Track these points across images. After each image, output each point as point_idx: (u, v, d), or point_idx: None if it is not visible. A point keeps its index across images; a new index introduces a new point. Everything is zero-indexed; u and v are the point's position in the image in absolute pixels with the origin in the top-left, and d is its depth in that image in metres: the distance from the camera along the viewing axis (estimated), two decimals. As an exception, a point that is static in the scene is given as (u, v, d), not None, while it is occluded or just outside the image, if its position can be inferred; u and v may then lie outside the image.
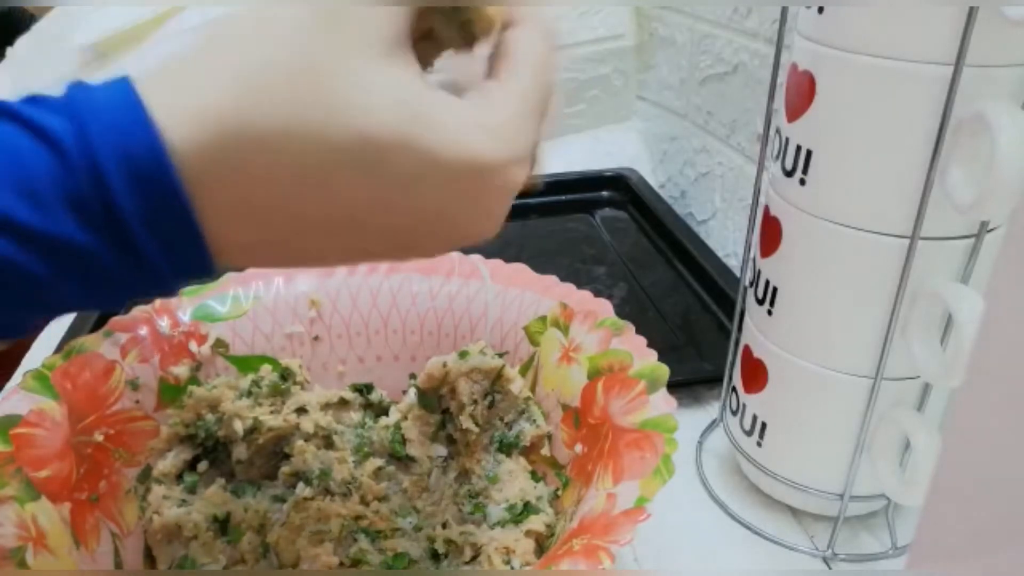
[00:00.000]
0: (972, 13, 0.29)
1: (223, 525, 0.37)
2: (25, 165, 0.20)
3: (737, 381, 0.44)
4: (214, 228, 0.21)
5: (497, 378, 0.40)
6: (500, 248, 0.67)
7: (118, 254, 0.21)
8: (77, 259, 0.21)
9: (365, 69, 0.21)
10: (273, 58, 0.21)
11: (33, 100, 0.21)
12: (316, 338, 0.44)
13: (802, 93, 0.35)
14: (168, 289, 0.23)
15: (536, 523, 0.36)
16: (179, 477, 0.39)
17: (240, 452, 0.39)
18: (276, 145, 0.21)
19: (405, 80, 0.22)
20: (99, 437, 0.36)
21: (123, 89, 0.21)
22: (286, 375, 0.42)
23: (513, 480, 0.39)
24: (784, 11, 0.38)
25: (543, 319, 0.42)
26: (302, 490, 0.38)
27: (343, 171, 0.21)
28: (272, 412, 0.40)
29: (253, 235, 0.22)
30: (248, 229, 0.22)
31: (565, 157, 0.85)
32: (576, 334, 0.40)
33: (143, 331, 0.40)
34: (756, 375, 0.41)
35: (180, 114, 0.20)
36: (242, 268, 0.24)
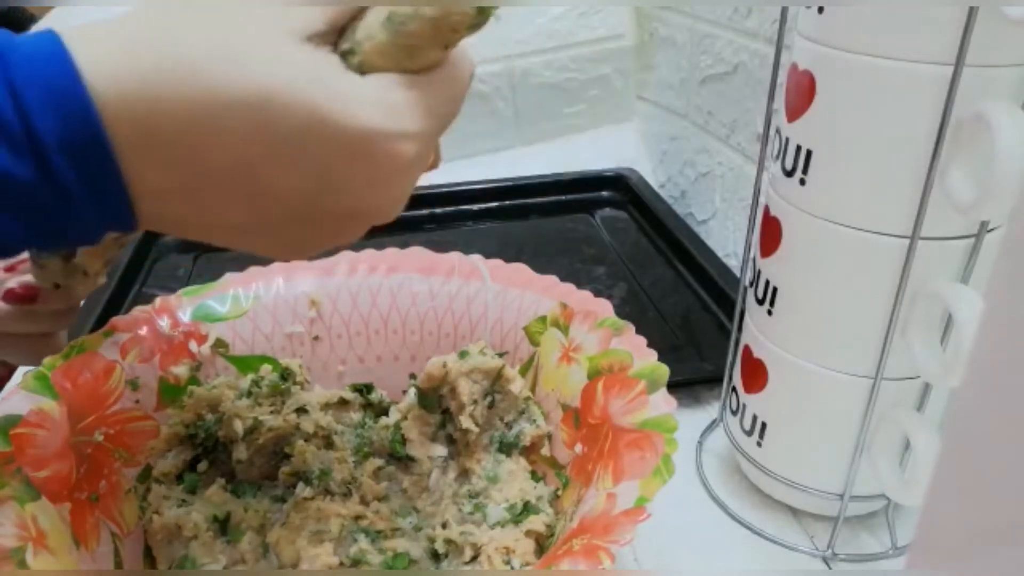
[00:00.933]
0: (972, 13, 0.29)
1: (223, 525, 0.37)
2: None
3: (737, 381, 0.44)
4: (126, 160, 0.23)
5: (497, 378, 0.40)
6: (500, 248, 0.67)
7: (40, 178, 0.22)
8: (5, 186, 0.22)
9: (274, 40, 0.24)
10: (193, 19, 0.24)
11: None
12: (316, 338, 0.44)
13: (802, 93, 0.35)
14: (91, 228, 0.24)
15: (536, 523, 0.36)
16: (179, 477, 0.39)
17: (240, 452, 0.39)
18: (182, 85, 0.23)
19: (310, 54, 0.24)
20: (99, 437, 0.36)
21: (45, 33, 0.23)
22: (286, 375, 0.42)
23: (513, 480, 0.39)
24: (784, 11, 0.38)
25: (543, 319, 0.42)
26: (302, 490, 0.38)
27: (237, 118, 0.23)
28: (272, 412, 0.40)
29: (162, 176, 0.24)
30: (156, 168, 0.23)
31: (565, 157, 0.85)
32: (576, 334, 0.40)
33: (143, 331, 0.40)
34: (756, 375, 0.41)
35: (98, 52, 0.22)
36: (164, 227, 0.26)
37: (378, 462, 0.40)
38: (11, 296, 0.37)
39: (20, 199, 0.22)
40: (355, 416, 0.43)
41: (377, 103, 0.25)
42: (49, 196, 0.22)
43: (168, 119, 0.23)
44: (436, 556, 0.37)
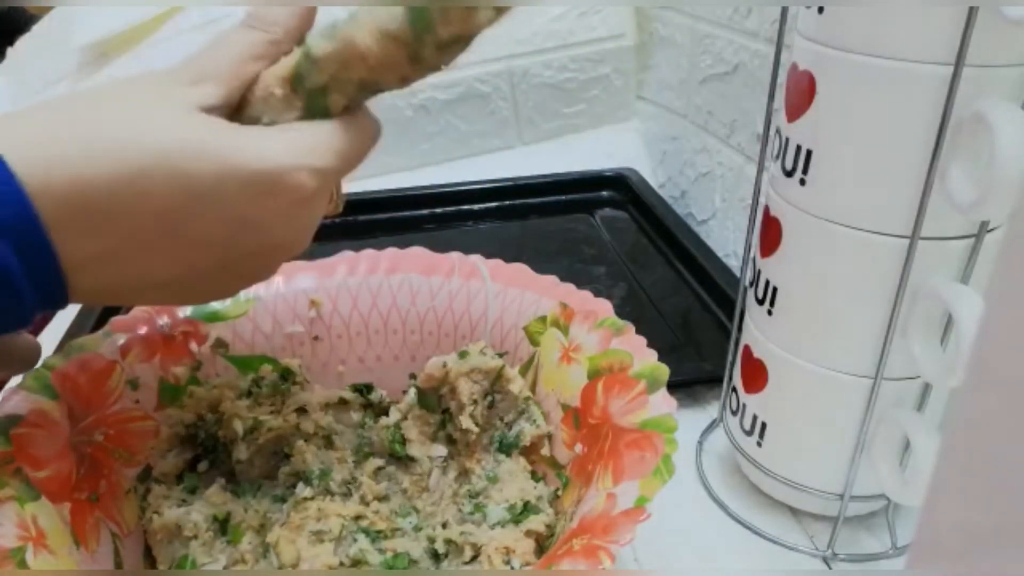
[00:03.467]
0: (972, 13, 0.29)
1: (223, 525, 0.37)
2: None
3: (737, 381, 0.44)
4: (57, 235, 0.25)
5: (497, 378, 0.40)
6: (500, 248, 0.67)
7: None
8: None
9: (174, 110, 0.26)
10: (102, 102, 0.26)
11: None
12: (316, 338, 0.44)
13: (802, 93, 0.35)
14: (27, 310, 0.26)
15: (536, 523, 0.36)
16: (179, 477, 0.39)
17: (240, 452, 0.39)
18: (99, 158, 0.25)
19: (207, 118, 0.27)
20: (99, 437, 0.36)
21: None
22: (286, 375, 0.42)
23: (513, 480, 0.39)
24: (784, 11, 0.38)
25: (543, 319, 0.42)
26: (302, 490, 0.38)
27: (152, 179, 0.25)
28: (272, 412, 0.40)
29: (91, 244, 0.26)
30: (85, 238, 0.25)
31: (565, 157, 0.85)
32: (576, 334, 0.40)
33: (143, 331, 0.40)
34: (756, 375, 0.41)
35: (18, 138, 0.25)
36: (96, 296, 0.28)
37: (378, 462, 0.40)
38: None
39: None
40: (355, 416, 0.43)
41: (278, 140, 0.27)
42: None
43: (91, 190, 0.25)
44: (436, 556, 0.37)
